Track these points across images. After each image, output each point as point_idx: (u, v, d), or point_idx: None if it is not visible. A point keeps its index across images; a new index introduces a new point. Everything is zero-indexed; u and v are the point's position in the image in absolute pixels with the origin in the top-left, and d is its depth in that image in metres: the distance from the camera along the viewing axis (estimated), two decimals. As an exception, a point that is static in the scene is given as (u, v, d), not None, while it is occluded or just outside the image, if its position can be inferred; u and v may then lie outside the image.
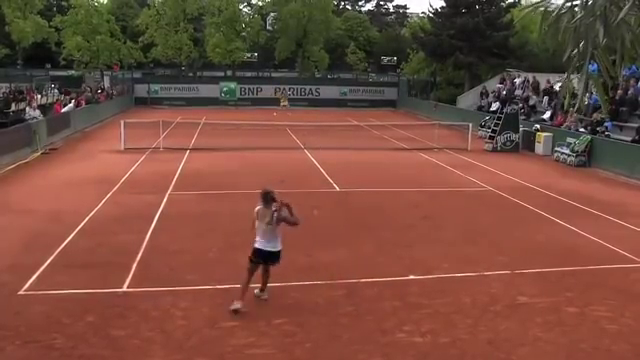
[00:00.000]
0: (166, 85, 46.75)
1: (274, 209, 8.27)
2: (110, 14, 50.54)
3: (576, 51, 4.73)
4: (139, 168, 18.81)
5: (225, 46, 48.90)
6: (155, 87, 46.20)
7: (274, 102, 44.24)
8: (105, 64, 48.14)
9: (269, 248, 8.12)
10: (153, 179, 16.97)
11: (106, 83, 44.62)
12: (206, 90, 46.44)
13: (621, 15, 4.41)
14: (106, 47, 47.16)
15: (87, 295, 8.51)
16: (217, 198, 14.92)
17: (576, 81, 4.76)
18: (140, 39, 49.58)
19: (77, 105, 30.94)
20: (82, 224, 12.11)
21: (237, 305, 7.87)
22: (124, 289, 8.79)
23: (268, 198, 8.44)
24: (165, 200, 14.44)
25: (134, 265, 9.76)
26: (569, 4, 4.91)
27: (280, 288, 8.85)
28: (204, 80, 49.61)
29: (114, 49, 48.03)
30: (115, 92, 42.46)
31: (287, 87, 46.67)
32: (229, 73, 52.54)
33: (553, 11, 4.99)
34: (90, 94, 36.44)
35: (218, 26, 49.33)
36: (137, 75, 50.14)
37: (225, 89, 46.88)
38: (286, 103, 42.37)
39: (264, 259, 8.17)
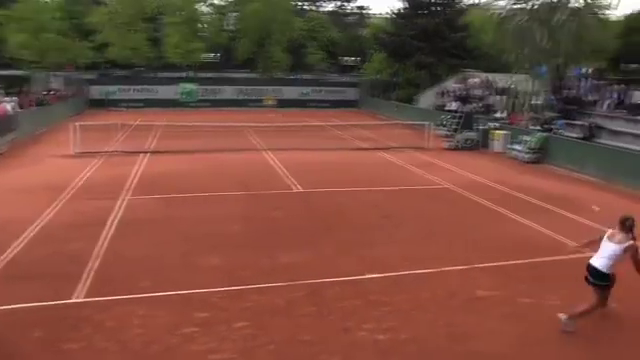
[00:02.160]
0: (123, 86, 45.84)
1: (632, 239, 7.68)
2: (60, 10, 47.98)
3: (520, 52, 4.98)
4: (95, 173, 18.37)
5: (185, 46, 48.14)
6: (112, 88, 45.26)
7: (235, 103, 44.03)
8: (55, 64, 46.15)
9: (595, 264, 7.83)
10: (110, 184, 16.56)
11: (58, 84, 42.63)
12: (165, 92, 45.81)
13: (560, 19, 4.67)
14: (54, 45, 44.11)
15: (36, 308, 8.16)
16: (177, 202, 14.75)
17: (524, 82, 5.00)
18: (94, 38, 48.08)
19: (21, 107, 28.67)
20: (32, 232, 11.71)
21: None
22: (77, 300, 8.50)
23: (627, 224, 7.80)
24: (122, 205, 14.16)
25: (89, 274, 9.48)
26: (514, 8, 5.15)
27: (240, 291, 8.88)
28: (163, 81, 48.73)
29: (63, 48, 45.46)
30: (68, 93, 41.11)
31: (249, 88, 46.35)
32: (189, 74, 51.94)
33: (499, 14, 5.23)
34: (39, 95, 34.96)
35: (177, 26, 48.60)
36: (92, 76, 48.62)
37: (185, 90, 46.39)
38: (272, 103, 42.46)
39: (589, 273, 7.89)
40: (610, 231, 7.81)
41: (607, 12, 24.41)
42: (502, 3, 20.12)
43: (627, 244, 7.52)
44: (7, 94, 30.96)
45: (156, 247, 11.03)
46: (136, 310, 8.17)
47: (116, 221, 12.77)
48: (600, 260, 7.70)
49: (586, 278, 7.88)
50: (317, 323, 7.90)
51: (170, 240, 11.49)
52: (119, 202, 14.44)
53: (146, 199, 14.98)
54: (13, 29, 43.10)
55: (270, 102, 42.80)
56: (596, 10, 21.82)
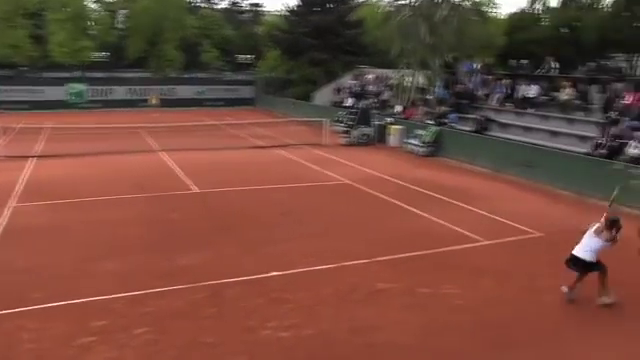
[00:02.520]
0: (4, 87, 42.89)
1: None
2: None
3: (405, 48, 5.04)
4: (-25, 180, 17.14)
5: (71, 45, 46.04)
6: (-9, 89, 42.46)
7: (127, 104, 42.65)
8: None
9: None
10: (-8, 191, 15.52)
11: None
12: (52, 92, 43.58)
13: (441, 15, 4.76)
14: None
15: None
16: (69, 208, 14.04)
17: (410, 77, 5.08)
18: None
19: None
20: None
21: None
22: None
23: (616, 226, 8.49)
24: (8, 213, 13.31)
25: None
26: (397, 4, 5.20)
27: (140, 296, 8.62)
28: (49, 81, 46.32)
29: None
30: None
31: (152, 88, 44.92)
32: (77, 74, 49.74)
33: (385, 10, 5.27)
34: None
35: (62, 23, 46.37)
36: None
37: (73, 91, 44.40)
38: (156, 102, 40.04)
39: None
40: (596, 226, 8.51)
41: (487, 9, 25.56)
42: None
43: (612, 242, 8.44)
44: None
45: (48, 256, 10.47)
46: (26, 324, 7.70)
47: (2, 230, 12.02)
48: (586, 253, 8.48)
49: (567, 263, 8.71)
50: (219, 324, 7.78)
51: (63, 247, 10.95)
52: (4, 210, 13.54)
53: (34, 206, 14.13)
54: None
55: (154, 102, 40.73)
56: (477, 6, 22.79)
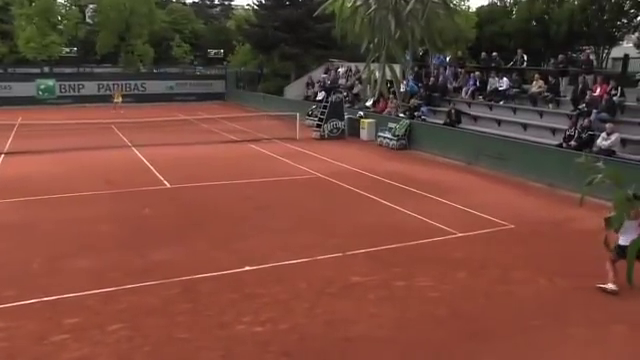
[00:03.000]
0: (-30, 83, 42.34)
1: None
2: None
3: (373, 42, 5.03)
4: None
5: (40, 40, 45.42)
6: (-45, 86, 41.57)
7: (98, 99, 42.05)
8: None
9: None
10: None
11: None
12: (20, 88, 42.73)
13: (408, 8, 4.75)
14: None
15: None
16: (39, 205, 13.84)
17: (377, 70, 5.06)
18: None
19: None
20: None
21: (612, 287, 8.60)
22: None
23: None
24: (-23, 211, 13.10)
25: None
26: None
27: (112, 293, 8.52)
28: (17, 77, 45.59)
29: None
30: None
31: (117, 83, 44.21)
32: (46, 69, 48.98)
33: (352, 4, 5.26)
34: None
35: (30, 18, 45.66)
36: None
37: (42, 87, 43.59)
38: (119, 100, 38.17)
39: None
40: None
41: (455, 2, 25.56)
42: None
43: None
44: None
45: (18, 253, 10.32)
46: None
47: (-32, 228, 11.76)
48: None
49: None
50: (194, 320, 7.72)
51: (33, 245, 10.78)
52: (-29, 208, 13.28)
53: (3, 203, 13.87)
54: None
55: (118, 99, 38.62)
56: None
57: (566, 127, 18.10)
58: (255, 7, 46.46)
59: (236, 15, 63.28)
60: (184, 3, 69.20)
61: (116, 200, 14.30)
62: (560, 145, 17.39)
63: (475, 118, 22.83)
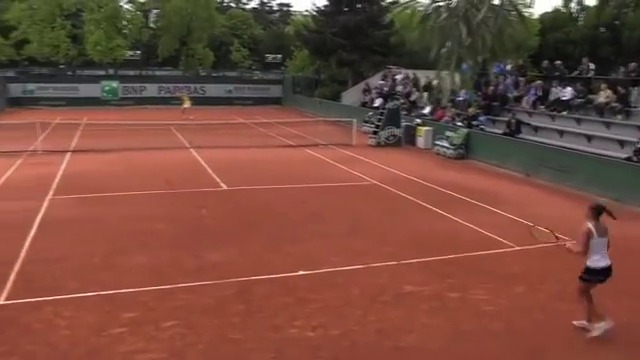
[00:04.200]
0: (43, 84, 44.09)
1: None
2: None
3: (443, 49, 4.97)
4: (15, 173, 17.70)
5: (106, 44, 47.04)
6: (31, 86, 43.45)
7: (159, 101, 43.10)
8: None
9: (608, 262, 7.39)
10: (31, 184, 15.99)
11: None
12: (87, 90, 44.44)
13: (480, 16, 4.67)
14: None
15: None
16: (101, 201, 14.30)
17: (447, 78, 5.01)
18: (12, 35, 46.57)
19: None
20: None
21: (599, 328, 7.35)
22: (1, 302, 8.25)
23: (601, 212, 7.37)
24: (45, 205, 13.69)
25: (12, 275, 9.18)
26: (435, 5, 5.13)
27: (169, 290, 8.67)
28: (84, 79, 47.42)
29: None
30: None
31: (178, 86, 45.15)
32: (111, 72, 50.60)
33: (422, 11, 5.21)
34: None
35: (98, 23, 47.35)
36: (11, 74, 46.96)
37: (107, 88, 45.15)
38: (188, 104, 36.04)
39: (606, 276, 7.40)
40: (593, 227, 7.31)
41: (525, 9, 24.84)
42: (424, 1, 20.32)
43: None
44: None
45: (81, 247, 10.68)
46: (62, 311, 7.91)
47: (39, 221, 12.34)
48: (608, 259, 7.42)
49: (601, 281, 7.45)
50: (247, 321, 7.76)
51: (95, 240, 11.14)
52: (42, 202, 13.92)
53: (69, 199, 14.48)
54: None
55: (188, 104, 36.50)
56: (516, 6, 22.26)
57: (636, 139, 17.40)
58: (314, 13, 46.71)
59: (295, 21, 63.73)
60: (244, 9, 70.21)
61: (174, 200, 14.59)
62: (629, 158, 16.75)
63: (536, 128, 22.28)
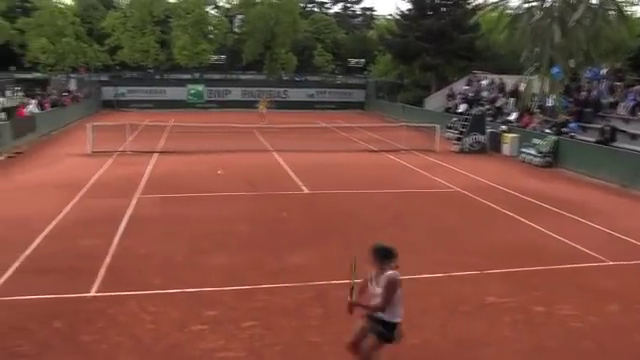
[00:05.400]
0: (133, 88, 46.20)
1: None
2: (76, 16, 49.74)
3: (534, 52, 4.75)
4: (106, 172, 18.52)
5: (192, 48, 48.55)
6: (122, 90, 45.63)
7: (242, 105, 44.02)
8: (71, 67, 47.47)
9: None
10: (121, 182, 16.73)
11: (72, 86, 43.65)
12: (173, 93, 46.12)
13: (576, 16, 4.45)
14: (72, 49, 46.70)
15: (54, 300, 8.35)
16: (186, 201, 14.75)
17: (536, 82, 4.81)
18: (107, 41, 49.07)
19: (42, 108, 30.34)
20: (48, 229, 11.90)
21: None
22: (92, 294, 8.64)
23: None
24: (133, 203, 14.27)
25: (102, 269, 9.62)
26: (526, 5, 4.92)
27: (249, 291, 8.80)
28: (171, 82, 49.19)
29: (80, 52, 47.53)
30: (82, 95, 41.71)
31: (262, 90, 45.99)
32: (196, 75, 52.14)
33: (511, 12, 5.00)
34: (56, 97, 35.73)
35: (185, 28, 48.95)
36: (104, 78, 49.55)
37: (192, 91, 46.60)
38: (265, 109, 35.76)
39: None
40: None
41: (629, 8, 23.28)
42: (515, 2, 19.49)
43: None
44: (26, 96, 31.98)
45: (166, 245, 11.08)
46: (147, 306, 8.24)
47: (128, 219, 12.88)
48: None
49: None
50: (325, 325, 7.79)
51: (179, 238, 11.53)
52: (130, 200, 14.55)
53: (155, 198, 15.06)
54: (33, 35, 44.96)
55: (264, 109, 36.00)
56: (618, 4, 20.92)
57: None
58: (397, 17, 46.44)
59: (378, 25, 63.61)
60: (327, 13, 70.59)
61: (255, 202, 14.82)
62: None
63: (633, 136, 21.07)
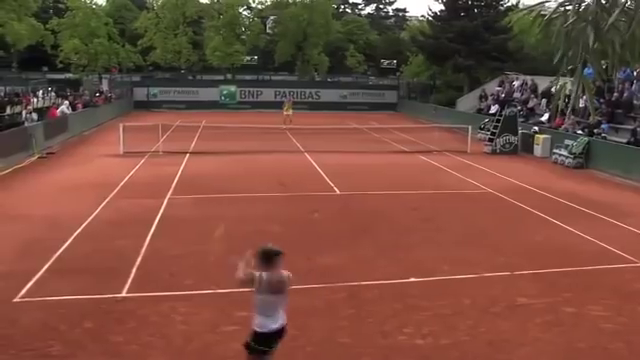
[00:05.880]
0: (165, 88, 46.72)
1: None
2: (108, 17, 50.45)
3: (568, 54, 4.84)
4: (138, 172, 18.72)
5: (225, 49, 48.96)
6: (154, 90, 46.16)
7: (275, 105, 44.34)
8: (103, 67, 48.17)
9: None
10: (152, 183, 16.88)
11: (105, 86, 44.35)
12: (206, 93, 46.47)
13: (611, 20, 4.53)
14: (104, 50, 47.30)
15: (85, 301, 8.40)
16: (217, 202, 14.85)
17: (569, 84, 4.88)
18: (139, 42, 49.69)
19: (74, 108, 30.78)
20: (80, 229, 11.97)
21: None
22: (123, 294, 8.70)
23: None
24: (165, 204, 14.37)
25: (133, 270, 9.68)
26: (562, 9, 5.02)
27: (280, 291, 8.91)
28: (204, 83, 49.66)
29: (112, 52, 48.17)
30: (114, 95, 42.36)
31: (287, 91, 46.36)
32: (229, 76, 52.60)
33: (546, 15, 5.10)
34: (88, 97, 36.38)
35: (217, 29, 49.44)
36: (136, 78, 50.16)
37: (225, 92, 46.93)
38: (290, 112, 35.04)
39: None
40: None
41: None
42: (549, 4, 19.33)
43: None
44: (59, 96, 32.64)
45: (197, 245, 11.11)
46: (178, 307, 8.27)
47: (159, 219, 12.98)
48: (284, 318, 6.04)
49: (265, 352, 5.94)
50: (356, 326, 7.83)
51: (210, 239, 11.41)
52: (162, 201, 14.65)
53: (187, 198, 15.14)
54: (66, 35, 45.55)
55: (290, 112, 34.95)
56: None
57: None
58: (430, 18, 46.33)
59: (410, 26, 63.42)
60: (359, 14, 70.63)
61: (287, 202, 14.92)
62: None
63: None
